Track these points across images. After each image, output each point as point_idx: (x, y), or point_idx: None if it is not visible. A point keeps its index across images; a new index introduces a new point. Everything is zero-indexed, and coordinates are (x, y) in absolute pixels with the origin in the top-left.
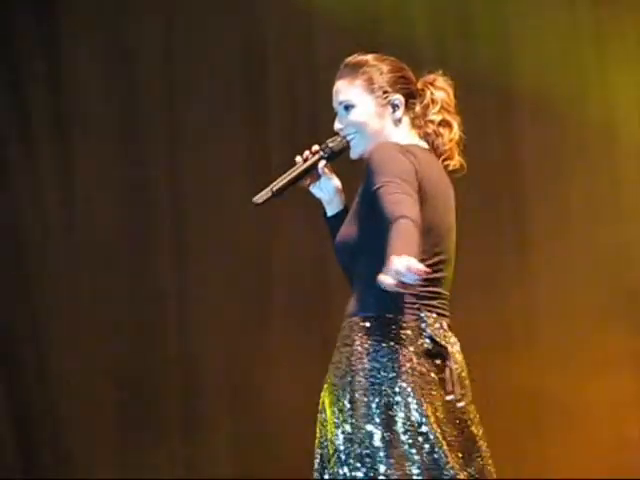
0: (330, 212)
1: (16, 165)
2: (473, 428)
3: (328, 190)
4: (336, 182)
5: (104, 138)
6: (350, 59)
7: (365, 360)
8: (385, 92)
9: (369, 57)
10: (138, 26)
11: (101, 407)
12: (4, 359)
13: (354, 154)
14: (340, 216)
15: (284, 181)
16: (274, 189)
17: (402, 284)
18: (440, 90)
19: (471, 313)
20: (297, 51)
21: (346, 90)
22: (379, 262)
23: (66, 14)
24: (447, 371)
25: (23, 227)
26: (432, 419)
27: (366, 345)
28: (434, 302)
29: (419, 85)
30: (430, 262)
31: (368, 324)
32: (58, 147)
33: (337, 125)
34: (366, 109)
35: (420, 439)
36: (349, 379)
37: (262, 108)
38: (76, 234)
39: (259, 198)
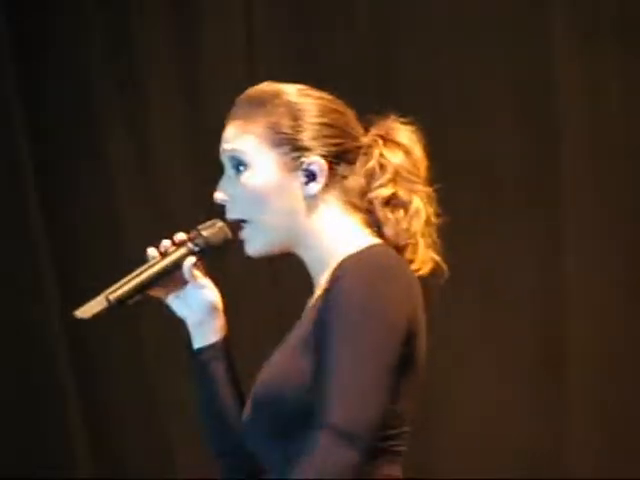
0: (199, 342)
1: None
2: None
3: (197, 305)
4: (210, 293)
5: None
6: (251, 90)
7: None
8: (296, 148)
9: (284, 88)
10: None
11: None
12: None
13: (251, 249)
14: (217, 354)
15: (127, 286)
16: (111, 297)
17: None
18: (396, 149)
19: None
20: None
21: (237, 138)
22: None
23: None
24: None
25: None
26: None
27: None
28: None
29: (366, 139)
30: (396, 432)
31: None
32: None
33: (219, 195)
34: (266, 175)
35: None
36: None
37: None
38: None
39: (87, 311)
